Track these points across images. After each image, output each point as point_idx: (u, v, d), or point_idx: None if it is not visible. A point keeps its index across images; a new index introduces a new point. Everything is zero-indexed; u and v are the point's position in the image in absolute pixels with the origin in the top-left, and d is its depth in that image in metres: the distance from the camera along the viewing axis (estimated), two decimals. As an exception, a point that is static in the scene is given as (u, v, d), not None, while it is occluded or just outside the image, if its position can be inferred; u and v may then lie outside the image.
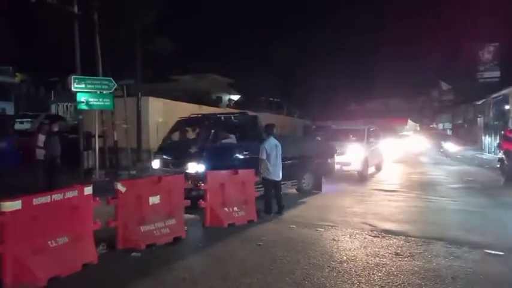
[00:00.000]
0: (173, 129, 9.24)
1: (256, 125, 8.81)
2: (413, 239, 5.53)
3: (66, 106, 32.76)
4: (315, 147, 10.32)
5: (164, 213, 5.49)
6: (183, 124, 9.21)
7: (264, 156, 7.02)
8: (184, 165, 7.51)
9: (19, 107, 33.06)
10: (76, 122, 19.93)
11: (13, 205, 3.79)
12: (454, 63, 31.96)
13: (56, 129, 9.79)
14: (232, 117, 8.83)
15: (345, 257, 4.74)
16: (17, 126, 18.60)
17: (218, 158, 7.54)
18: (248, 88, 31.94)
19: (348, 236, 5.71)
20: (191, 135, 9.56)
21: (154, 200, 5.46)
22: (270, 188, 7.12)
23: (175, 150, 8.39)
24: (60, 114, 29.44)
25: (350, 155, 11.75)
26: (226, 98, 35.39)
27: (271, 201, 7.11)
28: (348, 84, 32.84)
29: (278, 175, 7.12)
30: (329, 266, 4.44)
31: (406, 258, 4.72)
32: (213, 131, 8.00)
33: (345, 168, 11.74)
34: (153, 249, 4.97)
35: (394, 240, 5.46)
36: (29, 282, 3.76)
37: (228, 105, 31.30)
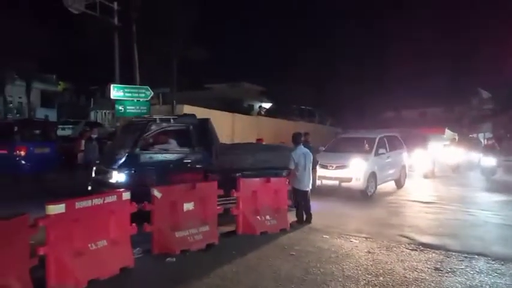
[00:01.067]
0: (115, 135, 9.08)
1: (207, 130, 7.77)
2: (453, 253, 5.29)
3: (105, 113, 34.10)
4: (280, 157, 7.84)
5: (198, 219, 5.56)
6: (124, 129, 8.35)
7: (292, 166, 7.01)
8: (106, 174, 6.87)
9: (61, 114, 34.70)
10: (114, 129, 20.70)
11: (57, 208, 3.96)
12: (494, 70, 30.60)
13: (94, 135, 10.21)
14: (172, 120, 7.66)
15: (381, 270, 4.60)
16: (59, 132, 19.54)
17: (140, 166, 6.77)
18: (280, 96, 31.93)
19: (384, 248, 5.54)
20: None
21: (188, 206, 5.55)
22: (301, 198, 7.06)
23: (108, 158, 7.56)
24: (98, 121, 30.68)
25: (351, 169, 9.88)
26: (257, 105, 35.57)
27: (302, 210, 7.05)
28: (383, 92, 32.09)
29: (307, 184, 7.05)
30: (364, 279, 4.32)
31: (446, 274, 4.52)
32: (140, 135, 7.05)
33: (345, 184, 9.91)
34: (187, 255, 5.04)
35: (433, 255, 5.25)
36: (70, 283, 3.89)
37: (259, 113, 31.43)
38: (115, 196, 4.66)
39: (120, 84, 12.97)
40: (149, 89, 12.96)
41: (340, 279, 4.31)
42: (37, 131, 12.31)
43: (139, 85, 13.60)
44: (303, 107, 32.81)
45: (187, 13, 16.62)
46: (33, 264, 3.59)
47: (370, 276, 4.40)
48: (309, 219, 7.03)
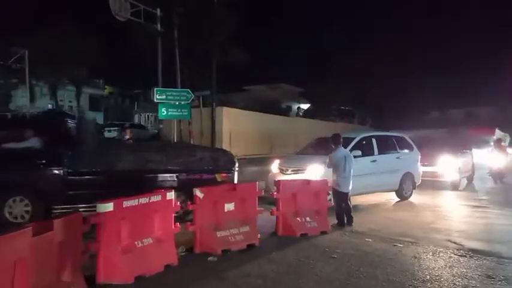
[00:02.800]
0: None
1: (77, 128, 7.09)
2: (507, 261, 4.98)
3: (147, 116, 35.37)
4: (182, 159, 7.16)
5: (238, 220, 5.62)
6: None
7: (329, 167, 6.91)
8: None
9: (107, 117, 36.38)
10: (156, 131, 21.41)
11: (106, 207, 4.15)
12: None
13: (126, 136, 10.56)
14: (28, 116, 7.11)
15: (428, 276, 4.42)
16: (106, 134, 20.54)
17: None
18: (318, 96, 31.61)
19: (431, 253, 5.31)
20: None
21: (229, 206, 5.62)
22: (341, 200, 6.94)
23: None
24: (142, 123, 31.85)
25: (308, 174, 8.19)
26: (295, 107, 35.42)
27: (343, 213, 6.92)
28: (428, 92, 30.80)
29: (347, 187, 6.91)
30: (411, 285, 4.17)
31: (499, 282, 4.26)
32: None
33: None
34: (228, 255, 5.11)
35: (485, 261, 4.97)
36: (118, 279, 4.07)
37: (297, 114, 31.28)
38: (159, 196, 4.81)
39: (163, 87, 13.38)
40: (190, 91, 13.26)
41: (384, 284, 4.19)
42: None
43: (181, 88, 13.96)
44: (342, 107, 32.29)
45: (227, 16, 16.89)
46: (85, 260, 3.78)
47: (416, 282, 4.24)
48: (350, 221, 6.90)
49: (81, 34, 25.42)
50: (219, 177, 7.27)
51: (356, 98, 30.41)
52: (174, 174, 6.94)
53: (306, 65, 45.01)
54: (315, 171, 8.19)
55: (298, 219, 6.33)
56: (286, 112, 29.93)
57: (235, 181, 7.39)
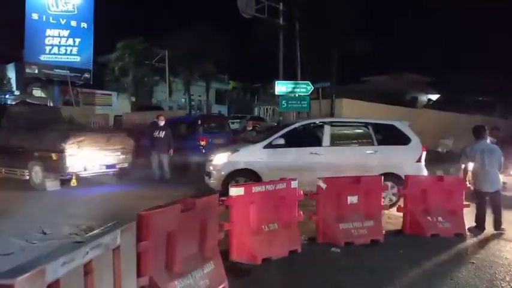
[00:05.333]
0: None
1: None
2: None
3: (266, 109, 36.74)
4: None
5: (362, 213, 5.47)
6: None
7: (464, 162, 6.15)
8: None
9: (231, 110, 38.99)
10: (275, 124, 22.08)
11: (238, 191, 4.49)
12: None
13: (249, 127, 11.10)
14: None
15: None
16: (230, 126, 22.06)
17: None
18: (450, 86, 28.45)
19: None
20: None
21: (352, 199, 5.51)
22: (482, 200, 6.14)
23: None
24: (261, 115, 33.23)
25: (212, 165, 7.67)
26: (423, 98, 32.56)
27: (484, 215, 6.12)
28: None
29: (489, 185, 6.03)
30: None
31: None
32: None
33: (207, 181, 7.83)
34: (351, 248, 5.03)
35: None
36: (248, 258, 4.38)
37: (426, 105, 28.71)
38: (284, 184, 4.99)
39: (283, 80, 13.74)
40: (310, 83, 13.35)
41: (539, 300, 3.61)
42: (214, 124, 14.15)
43: (301, 80, 14.13)
44: (480, 98, 28.46)
45: (348, 7, 16.41)
46: (220, 238, 4.15)
47: None
48: (496, 225, 6.00)
49: (210, 33, 27.72)
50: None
51: (498, 88, 26.43)
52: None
53: (436, 53, 40.82)
54: (217, 160, 7.50)
55: (429, 218, 5.85)
56: (411, 103, 27.75)
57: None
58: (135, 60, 29.10)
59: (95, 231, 2.68)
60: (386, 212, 5.75)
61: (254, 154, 7.51)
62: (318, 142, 7.53)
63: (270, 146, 7.47)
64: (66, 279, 2.11)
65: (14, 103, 24.48)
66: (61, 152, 8.43)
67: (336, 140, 7.63)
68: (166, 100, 30.59)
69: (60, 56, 26.81)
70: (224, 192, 6.87)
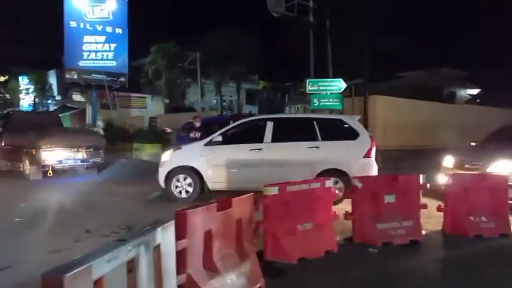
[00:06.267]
0: None
1: None
2: None
3: (297, 108, 36.50)
4: None
5: (400, 213, 5.31)
6: None
7: None
8: None
9: (261, 110, 39.07)
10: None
11: (272, 190, 4.49)
12: None
13: None
14: None
15: None
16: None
17: None
18: (490, 80, 27.15)
19: None
20: None
21: (389, 198, 5.36)
22: None
23: None
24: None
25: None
26: (461, 93, 31.27)
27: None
28: None
29: None
30: None
31: None
32: None
33: None
34: (389, 248, 4.90)
35: None
36: (283, 258, 4.36)
37: (468, 101, 27.58)
38: (319, 183, 4.93)
39: (315, 78, 13.60)
40: (342, 81, 13.12)
41: None
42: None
43: (333, 78, 13.93)
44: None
45: (380, 1, 16.03)
46: (255, 238, 4.16)
47: None
48: None
49: (240, 34, 27.92)
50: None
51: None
52: None
53: (475, 46, 39.03)
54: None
55: (472, 218, 5.60)
56: (448, 99, 26.73)
57: None
58: (168, 63, 29.78)
59: (139, 230, 2.75)
60: (425, 211, 5.54)
61: (195, 152, 7.63)
62: (259, 139, 7.47)
63: (210, 143, 7.55)
64: (110, 276, 2.18)
65: (55, 107, 25.64)
66: (38, 148, 10.49)
67: (279, 136, 7.47)
68: (199, 101, 31.09)
69: (97, 61, 27.87)
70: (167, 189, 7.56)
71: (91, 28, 27.71)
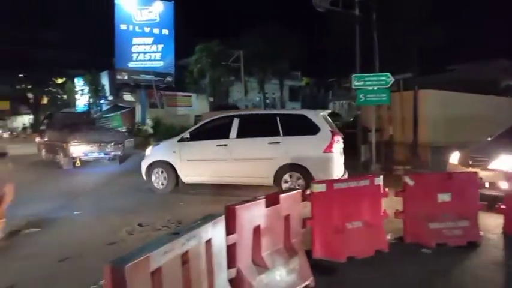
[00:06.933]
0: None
1: None
2: None
3: (342, 103, 35.82)
4: None
5: (455, 213, 5.04)
6: None
7: None
8: None
9: (304, 106, 38.76)
10: (351, 119, 21.43)
11: (320, 187, 4.43)
12: None
13: None
14: None
15: None
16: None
17: None
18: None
19: None
20: None
21: (443, 197, 5.09)
22: None
23: None
24: (336, 111, 32.52)
25: None
26: (521, 85, 29.03)
27: None
28: None
29: None
30: None
31: None
32: None
33: None
34: (443, 249, 4.67)
35: None
36: (331, 255, 4.31)
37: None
38: (368, 180, 4.80)
39: (360, 73, 13.22)
40: (390, 75, 12.64)
41: None
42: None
43: (380, 73, 13.47)
44: None
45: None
46: (303, 235, 4.12)
47: None
48: None
49: (283, 31, 27.82)
50: None
51: None
52: None
53: (536, 33, 35.95)
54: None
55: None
56: (506, 93, 24.94)
57: None
58: (212, 62, 30.31)
59: (191, 224, 2.83)
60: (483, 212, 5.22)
61: (169, 147, 8.29)
62: (225, 135, 7.81)
63: (182, 140, 8.19)
64: (167, 267, 2.27)
65: (108, 107, 26.99)
66: (67, 143, 12.46)
67: (243, 132, 7.74)
68: (242, 99, 31.40)
69: (145, 62, 29.01)
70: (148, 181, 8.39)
71: (140, 30, 28.87)
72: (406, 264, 4.27)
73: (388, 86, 12.60)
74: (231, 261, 3.07)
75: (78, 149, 12.67)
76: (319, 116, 7.66)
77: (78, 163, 12.73)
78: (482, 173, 6.11)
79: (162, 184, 8.30)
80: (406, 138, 13.06)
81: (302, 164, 7.30)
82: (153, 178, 8.38)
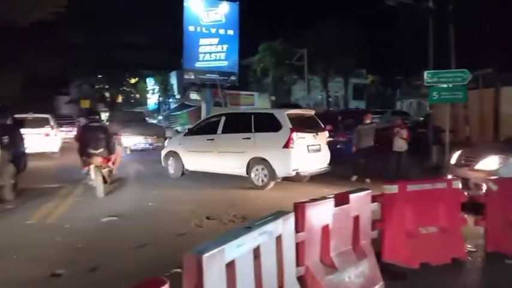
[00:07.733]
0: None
1: None
2: None
3: (410, 102, 33.99)
4: None
5: (547, 222, 4.54)
6: None
7: None
8: None
9: (369, 105, 37.39)
10: (421, 118, 20.24)
11: (391, 188, 4.22)
12: None
13: (367, 121, 10.30)
14: None
15: None
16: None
17: None
18: None
19: None
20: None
21: (532, 204, 4.62)
22: None
23: None
24: (404, 110, 30.93)
25: None
26: None
27: None
28: None
29: None
30: None
31: None
32: None
33: None
34: (532, 262, 4.23)
35: None
36: (402, 260, 4.09)
37: None
38: (445, 183, 4.50)
39: (434, 69, 12.43)
40: (467, 72, 11.73)
41: None
42: (353, 120, 13.79)
43: (455, 69, 12.55)
44: None
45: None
46: (373, 237, 3.97)
47: None
48: None
49: (348, 28, 27.07)
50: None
51: None
52: None
53: None
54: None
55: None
56: None
57: None
58: (275, 60, 30.39)
59: (262, 220, 2.85)
60: None
61: (177, 141, 10.08)
62: (214, 131, 9.08)
63: (185, 134, 10.15)
64: (240, 260, 2.32)
65: (176, 105, 28.34)
66: (119, 135, 13.77)
67: (227, 129, 8.93)
68: (305, 97, 31.15)
69: (211, 62, 29.93)
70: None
71: (206, 31, 29.84)
72: (485, 275, 3.94)
73: (465, 82, 11.71)
74: (300, 259, 3.05)
75: (129, 140, 15.42)
76: (283, 115, 8.40)
77: (128, 151, 15.01)
78: (469, 174, 6.38)
79: (174, 170, 9.91)
80: (485, 140, 12.02)
81: (265, 157, 8.28)
82: (167, 165, 10.00)
